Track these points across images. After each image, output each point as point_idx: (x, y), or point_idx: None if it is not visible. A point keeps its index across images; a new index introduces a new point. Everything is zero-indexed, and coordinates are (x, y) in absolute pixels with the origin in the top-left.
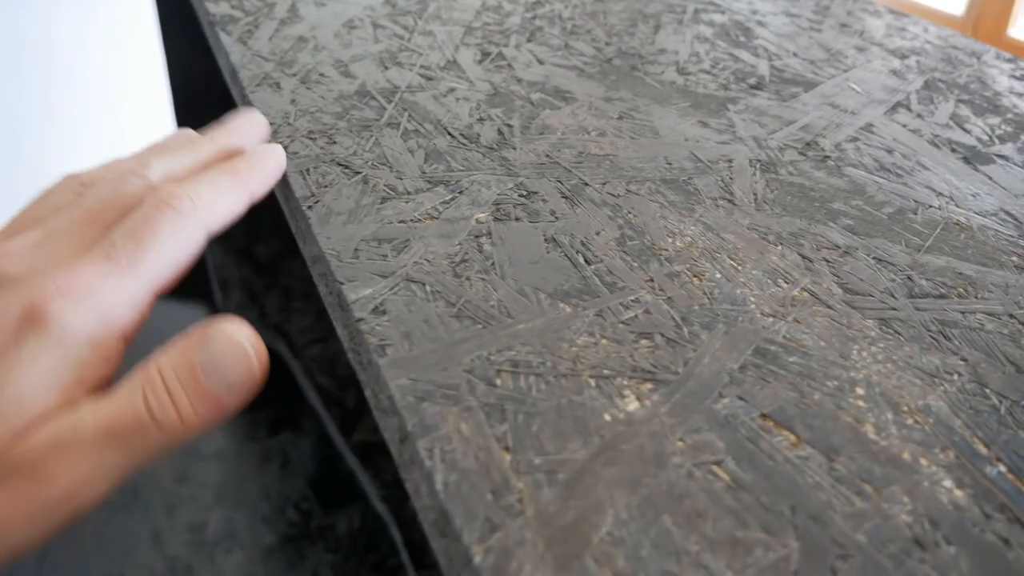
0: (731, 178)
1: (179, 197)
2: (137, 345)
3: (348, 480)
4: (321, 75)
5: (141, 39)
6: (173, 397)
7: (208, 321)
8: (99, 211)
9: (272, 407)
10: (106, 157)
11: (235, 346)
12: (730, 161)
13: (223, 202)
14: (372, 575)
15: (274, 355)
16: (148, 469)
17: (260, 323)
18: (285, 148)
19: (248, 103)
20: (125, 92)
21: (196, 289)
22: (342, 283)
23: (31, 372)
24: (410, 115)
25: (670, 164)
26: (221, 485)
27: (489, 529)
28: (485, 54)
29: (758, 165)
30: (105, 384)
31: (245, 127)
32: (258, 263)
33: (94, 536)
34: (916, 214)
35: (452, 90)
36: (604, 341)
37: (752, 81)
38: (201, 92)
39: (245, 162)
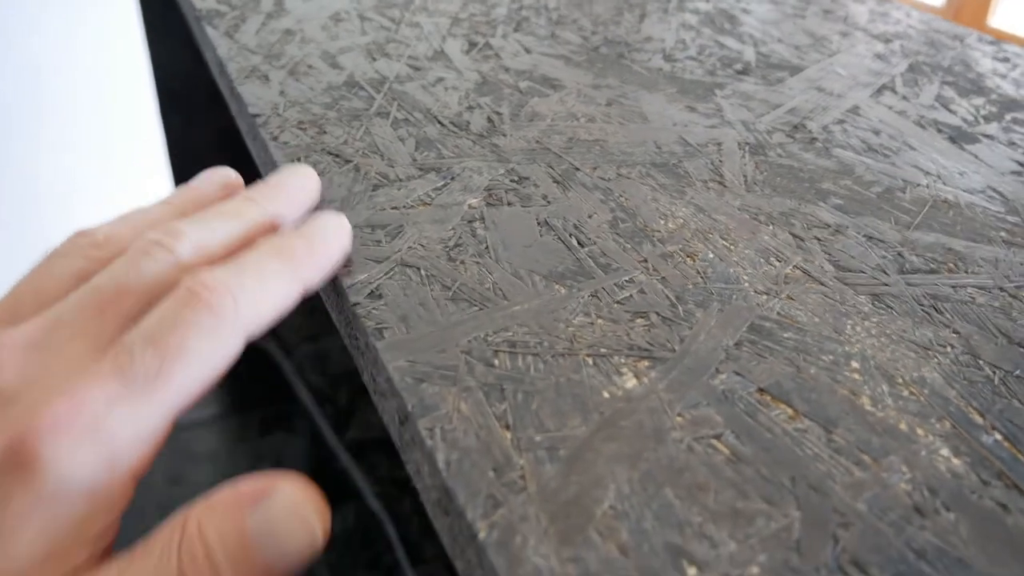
0: (721, 161)
1: (218, 292)
2: None
3: (342, 478)
4: (309, 67)
5: (129, 40)
6: (217, 570)
7: (262, 476)
8: (114, 298)
9: (264, 407)
10: (99, 156)
11: (297, 513)
12: (719, 144)
13: (271, 297)
14: (368, 573)
15: (265, 354)
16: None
17: None
18: (275, 138)
19: (236, 96)
20: (114, 93)
21: None
22: None
23: (20, 539)
24: (399, 104)
25: (659, 148)
26: (214, 486)
27: (492, 505)
28: (472, 44)
29: (747, 148)
30: (110, 533)
31: (296, 186)
32: None
33: None
34: (905, 192)
35: (440, 80)
36: (600, 321)
37: (738, 67)
38: (186, 88)
39: (305, 243)
